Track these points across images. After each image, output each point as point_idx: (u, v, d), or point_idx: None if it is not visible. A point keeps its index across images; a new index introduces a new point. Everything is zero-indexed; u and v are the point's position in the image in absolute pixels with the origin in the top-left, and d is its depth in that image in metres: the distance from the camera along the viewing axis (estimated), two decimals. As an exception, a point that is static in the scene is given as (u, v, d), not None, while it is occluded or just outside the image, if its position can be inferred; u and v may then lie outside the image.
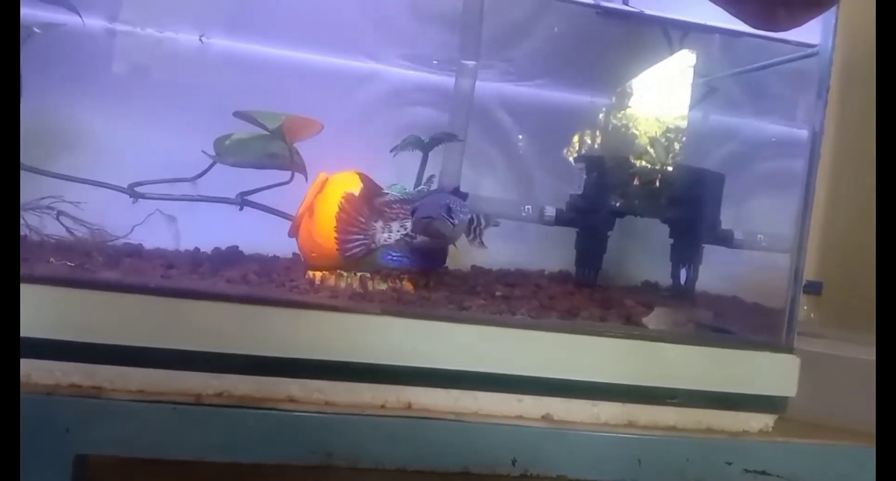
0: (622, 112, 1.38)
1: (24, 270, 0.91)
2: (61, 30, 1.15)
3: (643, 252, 1.44)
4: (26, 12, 1.17)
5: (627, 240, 1.38)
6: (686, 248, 1.31)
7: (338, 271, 1.08)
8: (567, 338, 0.94)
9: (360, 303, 0.96)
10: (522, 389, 0.92)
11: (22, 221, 1.12)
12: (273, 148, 1.16)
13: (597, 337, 0.95)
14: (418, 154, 1.22)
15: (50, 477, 0.75)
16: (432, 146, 1.23)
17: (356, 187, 1.10)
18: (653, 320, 1.09)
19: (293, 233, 1.14)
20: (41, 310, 0.82)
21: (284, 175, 1.17)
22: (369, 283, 1.08)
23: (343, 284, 1.07)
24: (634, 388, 0.95)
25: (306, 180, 1.17)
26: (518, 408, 0.91)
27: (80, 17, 1.15)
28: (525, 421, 0.90)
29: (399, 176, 1.20)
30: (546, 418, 0.91)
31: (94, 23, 1.26)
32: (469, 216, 1.05)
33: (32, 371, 0.79)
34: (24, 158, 1.12)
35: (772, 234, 1.32)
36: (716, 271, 1.34)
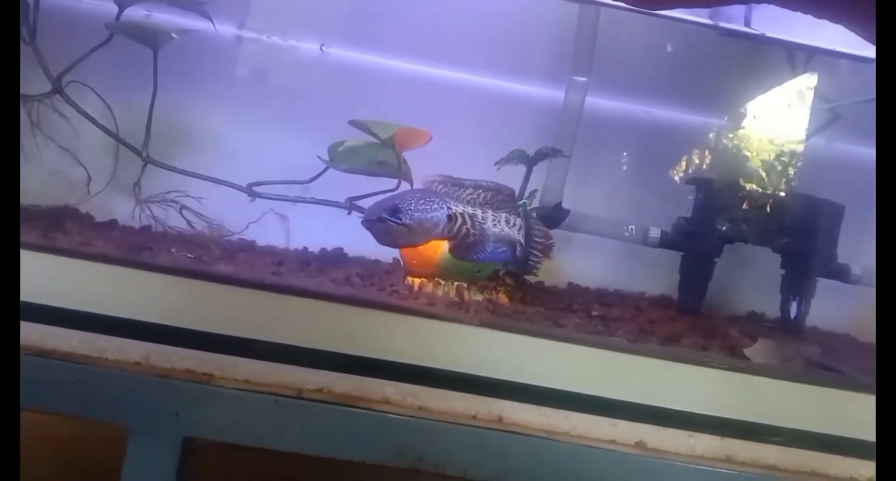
0: (736, 133, 1.34)
1: (147, 258, 0.98)
2: (195, 36, 1.22)
3: (751, 281, 1.39)
4: (165, 17, 1.26)
5: (735, 267, 1.33)
6: (798, 280, 1.26)
7: (436, 279, 1.10)
8: (666, 364, 0.91)
9: (457, 312, 0.97)
10: (616, 413, 0.90)
11: (147, 212, 1.19)
12: (382, 156, 1.19)
13: (698, 366, 0.92)
14: (522, 168, 1.23)
15: (159, 457, 0.79)
16: (536, 161, 1.23)
17: (460, 198, 1.11)
18: (758, 353, 1.04)
19: (396, 239, 1.16)
20: (161, 297, 0.87)
21: (392, 182, 1.20)
22: (466, 293, 1.09)
23: (440, 292, 1.08)
24: (734, 423, 0.91)
25: (412, 188, 1.20)
26: (611, 432, 0.89)
27: (213, 23, 1.22)
28: (617, 446, 0.88)
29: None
30: (639, 445, 0.89)
31: (224, 29, 1.33)
32: (436, 215, 0.99)
33: (151, 353, 0.84)
34: (154, 154, 1.20)
35: (894, 272, 1.24)
36: (829, 306, 1.27)
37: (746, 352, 1.03)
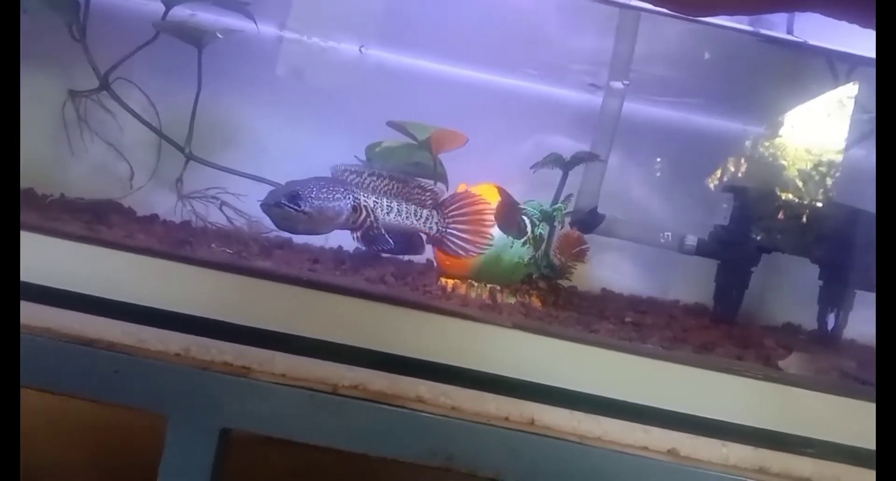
0: (772, 142, 1.33)
1: (187, 253, 1.00)
2: (238, 35, 1.25)
3: (788, 291, 1.37)
4: (210, 17, 1.28)
5: (772, 276, 1.32)
6: (836, 292, 1.24)
7: (469, 281, 1.10)
8: (700, 373, 0.91)
9: (490, 313, 0.97)
10: (649, 420, 0.89)
11: (189, 208, 1.22)
12: (419, 157, 1.20)
13: (732, 375, 0.92)
14: (558, 172, 1.23)
15: (197, 447, 0.81)
16: (573, 165, 1.23)
17: (494, 200, 1.12)
18: (793, 364, 1.03)
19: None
20: (201, 291, 0.89)
21: (427, 184, 1.21)
22: (498, 296, 1.10)
23: (473, 294, 1.09)
24: (768, 433, 0.90)
25: (447, 190, 1.20)
26: (644, 439, 0.89)
27: (256, 24, 1.24)
28: (650, 452, 0.87)
29: (537, 193, 1.21)
30: (672, 452, 0.89)
31: (266, 30, 1.35)
32: (339, 205, 0.99)
33: (192, 345, 0.86)
34: (196, 150, 1.23)
35: (936, 286, 1.22)
36: (867, 319, 1.25)
37: (781, 363, 1.02)
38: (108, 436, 1.11)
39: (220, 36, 1.19)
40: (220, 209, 1.21)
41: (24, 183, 1.26)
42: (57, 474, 1.09)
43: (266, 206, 0.98)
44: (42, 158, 1.33)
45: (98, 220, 1.10)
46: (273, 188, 1.03)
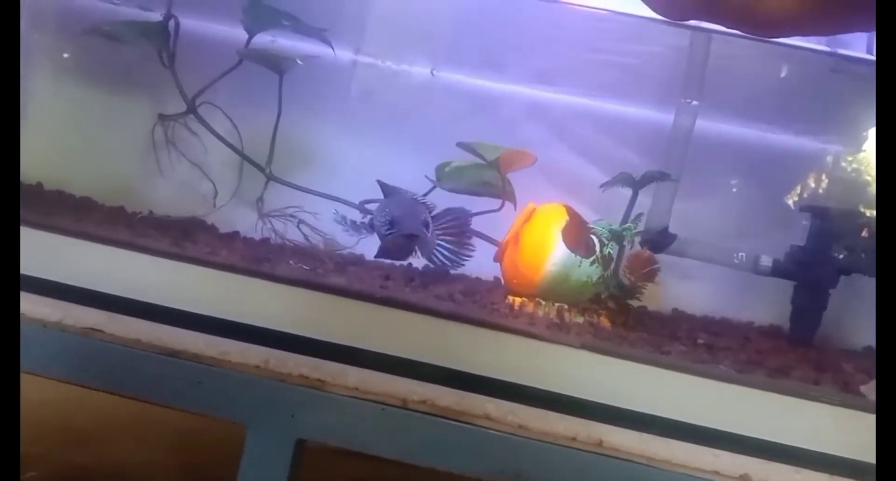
0: (855, 157, 1.28)
1: (266, 269, 1.04)
2: (316, 60, 1.30)
3: (869, 314, 1.32)
4: (289, 44, 1.34)
5: (852, 298, 1.27)
6: (923, 317, 1.18)
7: (536, 299, 1.11)
8: (774, 397, 0.89)
9: (557, 333, 0.97)
10: (719, 444, 0.88)
11: (269, 226, 1.27)
12: (487, 177, 1.22)
13: (808, 400, 0.90)
14: (628, 191, 1.22)
15: (274, 456, 0.84)
16: (643, 184, 1.22)
17: (562, 220, 1.13)
18: (873, 390, 0.99)
19: (498, 258, 1.19)
20: (280, 306, 0.93)
21: (495, 202, 1.23)
22: (566, 315, 1.10)
23: (541, 313, 1.09)
24: (845, 461, 0.88)
25: (515, 209, 1.22)
26: (714, 463, 0.87)
27: (333, 49, 1.29)
28: (721, 477, 0.86)
29: (606, 212, 1.21)
30: (744, 478, 0.87)
31: (342, 54, 1.40)
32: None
33: (271, 358, 0.90)
34: (275, 171, 1.28)
35: None
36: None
37: (863, 388, 0.99)
38: (190, 443, 1.16)
39: (300, 62, 1.24)
40: (298, 227, 1.26)
41: (116, 200, 1.35)
42: (143, 476, 1.15)
43: (410, 237, 1.03)
44: (132, 178, 1.42)
45: (185, 237, 1.16)
46: (385, 218, 1.07)
